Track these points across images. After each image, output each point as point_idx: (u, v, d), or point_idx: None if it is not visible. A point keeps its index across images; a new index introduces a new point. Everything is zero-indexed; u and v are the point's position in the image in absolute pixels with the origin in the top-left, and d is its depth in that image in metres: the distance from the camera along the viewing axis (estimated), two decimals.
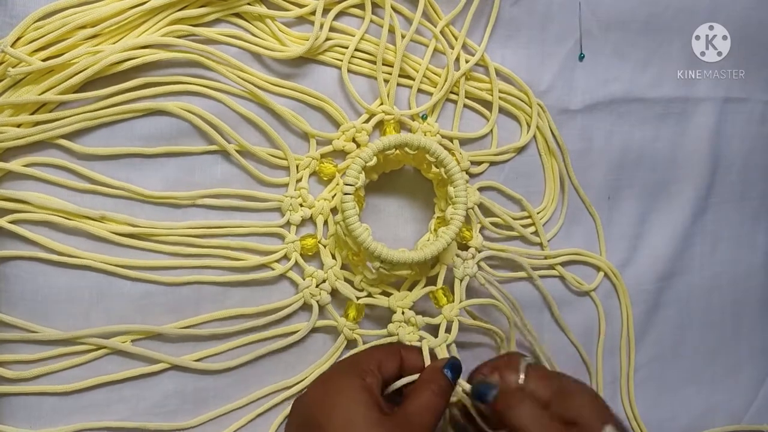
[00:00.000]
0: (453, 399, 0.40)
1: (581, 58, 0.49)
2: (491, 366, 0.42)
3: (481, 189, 0.46)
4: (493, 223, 0.46)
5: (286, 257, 0.42)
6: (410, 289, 0.44)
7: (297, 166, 0.42)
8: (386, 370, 0.39)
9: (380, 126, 0.44)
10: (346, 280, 0.43)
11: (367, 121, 0.43)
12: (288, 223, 0.42)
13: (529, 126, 0.47)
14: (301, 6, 0.42)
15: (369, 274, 0.42)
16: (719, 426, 0.54)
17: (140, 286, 0.39)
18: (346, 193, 0.39)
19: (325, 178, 0.43)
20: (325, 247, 0.43)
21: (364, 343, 0.43)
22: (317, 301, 0.42)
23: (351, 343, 0.43)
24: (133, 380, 0.40)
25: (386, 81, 0.43)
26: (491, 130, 0.46)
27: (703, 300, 0.54)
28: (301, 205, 0.42)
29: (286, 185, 0.42)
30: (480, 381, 0.40)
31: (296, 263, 0.42)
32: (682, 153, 0.52)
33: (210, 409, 0.41)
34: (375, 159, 0.40)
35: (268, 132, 0.41)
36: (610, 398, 0.49)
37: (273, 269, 0.42)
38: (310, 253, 0.43)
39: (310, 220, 0.43)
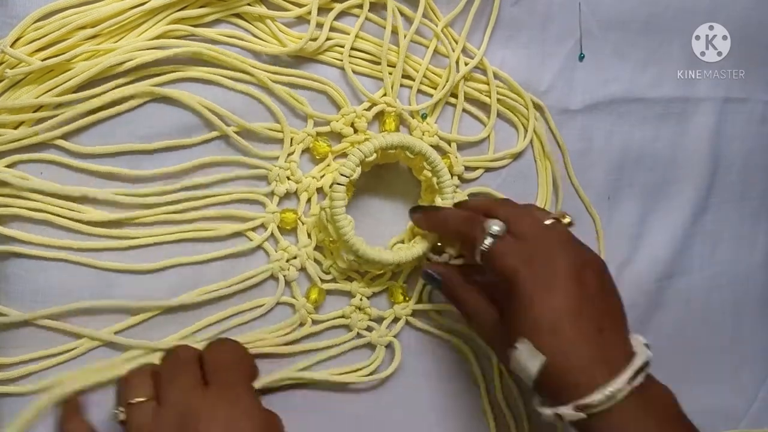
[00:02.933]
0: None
1: (581, 58, 0.49)
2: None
3: (472, 195, 0.46)
4: None
5: (263, 226, 0.42)
6: (374, 279, 0.44)
7: (291, 139, 0.42)
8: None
9: (380, 117, 0.44)
10: (317, 261, 0.43)
11: (368, 109, 0.43)
12: (272, 193, 0.42)
13: (526, 130, 0.47)
14: (301, 6, 0.42)
15: (341, 263, 0.43)
16: (719, 428, 0.54)
17: (133, 281, 0.39)
18: (338, 183, 0.39)
19: (318, 157, 0.43)
20: (303, 224, 0.43)
21: (313, 323, 0.42)
22: (284, 276, 0.42)
23: (302, 325, 0.43)
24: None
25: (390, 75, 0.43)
26: (488, 135, 0.46)
27: (703, 300, 0.54)
28: (288, 178, 0.42)
29: (277, 158, 0.42)
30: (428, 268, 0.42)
31: (272, 235, 0.42)
32: (682, 153, 0.52)
33: None
34: (375, 155, 0.40)
35: (266, 104, 0.41)
36: None
37: (250, 239, 0.42)
38: (288, 228, 0.42)
39: (295, 195, 0.43)
